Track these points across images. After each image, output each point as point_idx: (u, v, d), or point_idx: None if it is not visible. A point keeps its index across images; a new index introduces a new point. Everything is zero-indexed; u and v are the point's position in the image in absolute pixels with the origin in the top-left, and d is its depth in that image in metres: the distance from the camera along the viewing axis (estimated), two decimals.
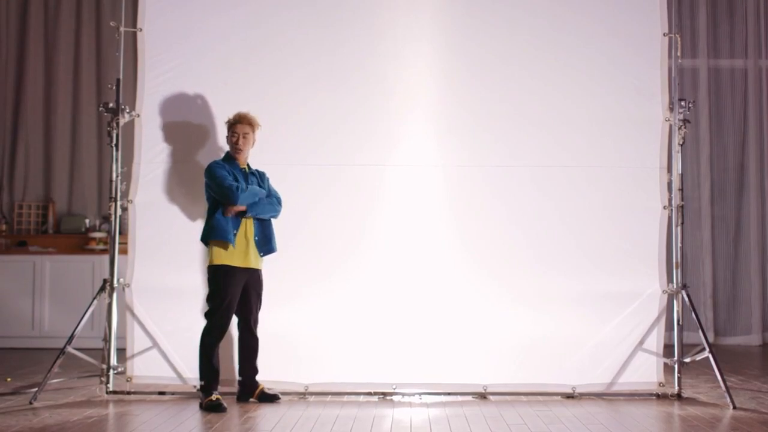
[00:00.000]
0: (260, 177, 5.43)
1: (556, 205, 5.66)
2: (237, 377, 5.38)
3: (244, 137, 5.35)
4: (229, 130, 5.38)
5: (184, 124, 5.67)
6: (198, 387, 5.27)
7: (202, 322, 5.63)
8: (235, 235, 5.22)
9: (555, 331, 5.58)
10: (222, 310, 5.20)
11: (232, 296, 5.21)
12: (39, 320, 8.05)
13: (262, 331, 5.50)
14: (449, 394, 5.51)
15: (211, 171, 5.27)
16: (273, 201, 5.38)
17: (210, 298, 5.25)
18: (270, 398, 5.31)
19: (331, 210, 5.62)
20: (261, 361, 5.48)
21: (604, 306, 5.59)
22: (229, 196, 5.17)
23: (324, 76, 5.70)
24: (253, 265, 5.29)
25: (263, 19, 5.72)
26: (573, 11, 5.73)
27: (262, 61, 5.71)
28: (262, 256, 5.33)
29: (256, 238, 5.29)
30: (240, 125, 5.35)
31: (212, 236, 5.22)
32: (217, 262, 5.22)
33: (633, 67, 5.67)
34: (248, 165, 5.41)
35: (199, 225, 5.62)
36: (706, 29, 8.84)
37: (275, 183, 5.59)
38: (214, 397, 5.12)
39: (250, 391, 5.33)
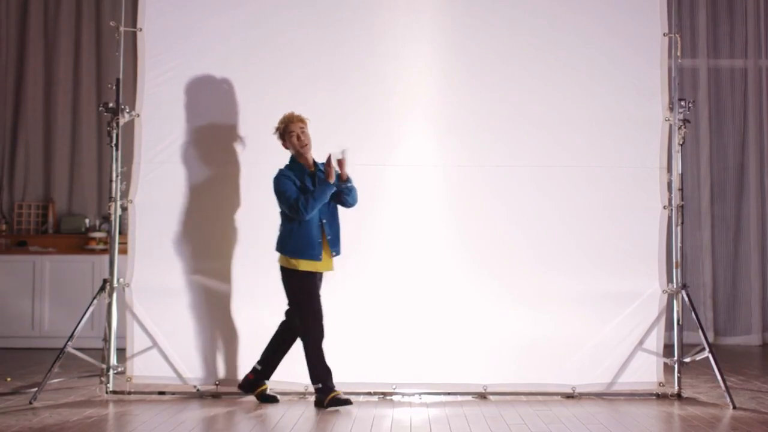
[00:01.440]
0: None
1: (556, 205, 5.66)
2: (256, 365, 5.34)
3: (303, 132, 5.28)
4: (284, 134, 5.29)
5: (184, 124, 5.67)
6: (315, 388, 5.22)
7: (202, 322, 5.64)
8: (320, 244, 5.22)
9: (555, 331, 5.58)
10: (313, 311, 5.19)
11: (316, 292, 5.23)
12: (39, 320, 8.04)
13: (262, 330, 5.51)
14: (449, 394, 5.51)
15: (279, 185, 5.21)
16: (321, 183, 5.25)
17: (297, 303, 5.24)
18: (269, 399, 5.31)
19: None
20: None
21: (604, 306, 5.59)
22: (296, 214, 5.15)
23: (324, 76, 5.70)
24: (328, 269, 5.31)
25: (263, 19, 5.72)
26: (573, 11, 5.73)
27: (262, 61, 5.71)
28: (334, 256, 5.32)
29: (329, 238, 5.28)
30: (293, 123, 5.28)
31: (298, 254, 5.17)
32: (301, 268, 5.19)
33: (633, 67, 5.67)
34: (315, 163, 5.35)
35: (199, 225, 5.62)
36: (706, 29, 8.83)
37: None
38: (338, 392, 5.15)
39: (256, 385, 5.33)
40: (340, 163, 5.23)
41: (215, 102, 5.69)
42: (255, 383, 5.35)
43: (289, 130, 5.28)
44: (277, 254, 5.28)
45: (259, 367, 5.34)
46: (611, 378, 5.56)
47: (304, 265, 5.19)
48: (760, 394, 5.64)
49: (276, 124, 5.33)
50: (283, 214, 5.26)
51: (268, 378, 5.36)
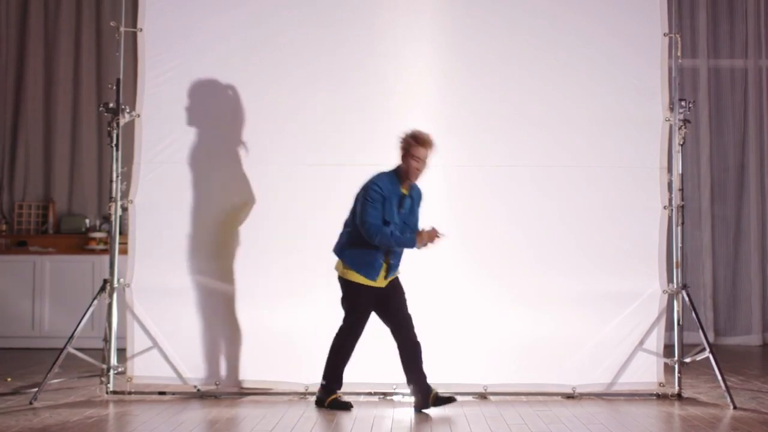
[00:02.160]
0: (416, 200, 5.27)
1: (556, 205, 5.66)
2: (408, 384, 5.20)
3: (425, 161, 5.10)
4: (411, 152, 5.07)
5: (185, 124, 5.67)
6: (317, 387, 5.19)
7: (202, 322, 5.63)
8: (381, 267, 5.11)
9: (555, 331, 5.58)
10: (355, 321, 5.14)
11: (367, 309, 5.16)
12: (39, 320, 8.04)
13: (262, 330, 5.51)
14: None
15: (366, 193, 5.05)
16: (409, 239, 5.09)
17: (346, 306, 5.17)
18: (445, 401, 5.13)
19: (332, 210, 5.60)
20: (261, 361, 5.50)
21: (604, 306, 5.59)
22: (364, 233, 5.03)
23: (324, 76, 5.70)
24: (381, 286, 5.17)
25: (263, 19, 5.72)
26: (573, 11, 5.74)
27: (262, 61, 5.71)
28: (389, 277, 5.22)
29: (392, 262, 5.17)
30: (424, 148, 5.08)
31: (354, 267, 5.09)
32: (354, 279, 5.12)
33: (633, 67, 5.67)
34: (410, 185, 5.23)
35: (199, 225, 5.62)
36: (706, 29, 8.83)
37: (276, 184, 5.60)
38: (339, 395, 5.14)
39: (427, 396, 5.11)
40: (431, 237, 5.05)
41: (215, 102, 5.69)
42: (426, 399, 5.13)
43: (416, 153, 5.07)
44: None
45: (411, 386, 5.18)
46: (611, 378, 5.56)
47: (356, 277, 5.12)
48: (760, 394, 5.64)
49: (407, 131, 5.11)
50: (353, 219, 5.16)
51: (429, 388, 5.14)
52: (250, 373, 5.60)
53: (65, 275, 8.08)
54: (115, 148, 5.56)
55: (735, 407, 5.11)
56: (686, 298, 5.49)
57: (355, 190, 5.55)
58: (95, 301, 5.63)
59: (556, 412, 5.05)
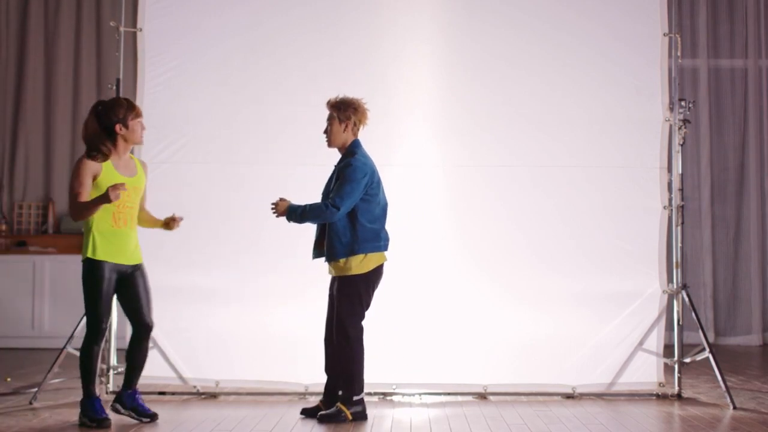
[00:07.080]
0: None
1: (556, 205, 5.66)
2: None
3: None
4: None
5: (184, 124, 5.67)
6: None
7: (202, 322, 5.63)
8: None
9: (555, 331, 5.58)
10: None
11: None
12: (39, 320, 8.04)
13: (262, 330, 5.51)
14: (449, 394, 5.51)
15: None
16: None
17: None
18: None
19: None
20: (261, 361, 5.50)
21: (604, 306, 5.59)
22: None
23: (324, 77, 5.69)
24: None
25: (263, 19, 5.72)
26: (573, 11, 5.74)
27: (262, 61, 5.71)
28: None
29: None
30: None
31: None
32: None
33: (633, 67, 5.68)
34: None
35: (198, 225, 5.61)
36: (706, 29, 8.84)
37: (276, 184, 5.59)
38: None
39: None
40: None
41: (215, 102, 5.69)
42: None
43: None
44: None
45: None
46: (611, 378, 5.56)
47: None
48: (760, 394, 5.64)
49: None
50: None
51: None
52: (250, 373, 5.59)
53: (65, 275, 8.07)
54: None
55: (735, 407, 5.11)
56: (686, 298, 5.49)
57: None
58: None
59: (556, 412, 5.05)
